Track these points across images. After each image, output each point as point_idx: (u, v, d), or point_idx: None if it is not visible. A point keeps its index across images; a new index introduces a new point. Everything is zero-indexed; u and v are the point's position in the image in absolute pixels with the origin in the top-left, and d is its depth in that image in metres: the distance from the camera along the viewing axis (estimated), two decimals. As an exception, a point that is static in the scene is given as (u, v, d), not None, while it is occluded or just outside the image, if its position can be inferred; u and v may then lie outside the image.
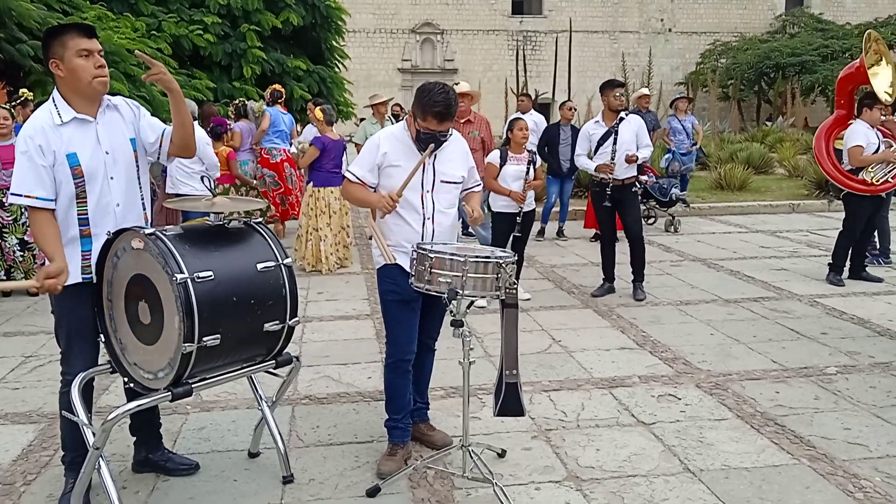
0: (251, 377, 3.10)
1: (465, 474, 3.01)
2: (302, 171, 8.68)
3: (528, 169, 5.67)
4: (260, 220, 2.94)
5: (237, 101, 9.59)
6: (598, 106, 7.95)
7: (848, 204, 6.58)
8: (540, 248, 8.60)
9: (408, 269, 3.07)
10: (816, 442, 3.48)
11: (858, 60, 6.24)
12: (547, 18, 33.95)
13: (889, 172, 6.20)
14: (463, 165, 3.29)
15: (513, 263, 2.95)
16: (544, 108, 21.96)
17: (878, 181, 6.19)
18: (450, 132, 3.17)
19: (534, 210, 5.95)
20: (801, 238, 9.13)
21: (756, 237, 9.26)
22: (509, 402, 3.03)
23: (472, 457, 3.05)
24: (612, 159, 6.00)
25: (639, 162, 6.19)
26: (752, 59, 30.44)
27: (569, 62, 21.39)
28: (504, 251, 3.09)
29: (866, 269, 6.78)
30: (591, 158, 6.28)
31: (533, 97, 19.75)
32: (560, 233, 9.29)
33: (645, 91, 10.61)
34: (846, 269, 6.73)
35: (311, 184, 7.46)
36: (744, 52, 31.19)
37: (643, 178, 9.47)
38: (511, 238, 5.77)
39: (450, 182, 3.23)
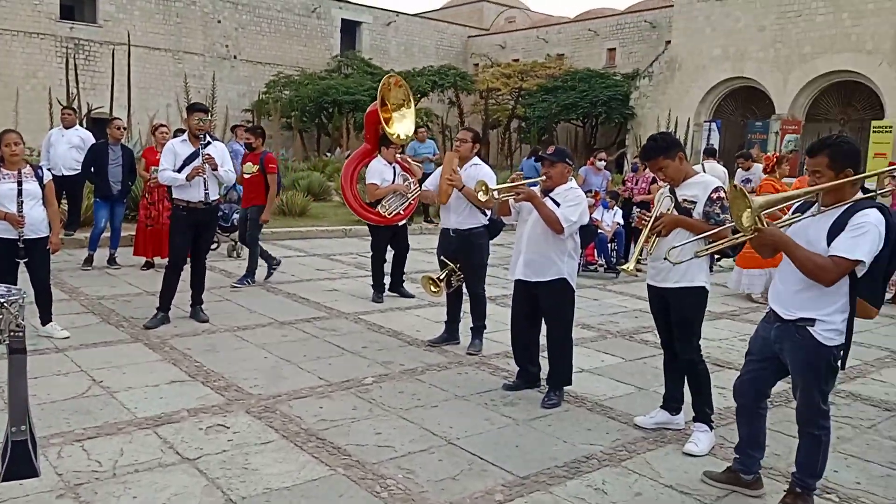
0: None
1: (-42, 559, 2.50)
2: None
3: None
4: None
5: None
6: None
7: (371, 232, 7.47)
8: (87, 279, 7.79)
9: None
10: (352, 450, 3.77)
11: (377, 101, 6.92)
12: (102, 28, 31.36)
13: (401, 205, 7.07)
14: None
15: (18, 302, 2.57)
16: (102, 123, 20.12)
17: (390, 214, 7.03)
18: None
19: (46, 237, 5.38)
20: (351, 260, 9.99)
21: (313, 260, 9.83)
22: (18, 463, 2.62)
23: (-33, 536, 2.55)
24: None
25: (229, 184, 6.23)
26: (312, 93, 32.49)
27: (128, 77, 20.00)
28: (8, 288, 2.67)
29: (403, 285, 7.66)
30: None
31: (85, 111, 17.93)
32: (112, 261, 8.55)
33: (203, 115, 10.46)
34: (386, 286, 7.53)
35: None
36: (305, 87, 33.14)
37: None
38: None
39: None
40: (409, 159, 7.58)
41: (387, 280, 7.54)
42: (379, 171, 7.08)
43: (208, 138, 6.20)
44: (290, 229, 11.98)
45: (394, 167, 7.15)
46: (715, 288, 8.88)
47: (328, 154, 29.76)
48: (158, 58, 32.78)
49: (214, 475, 3.42)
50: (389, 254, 7.60)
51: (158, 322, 6.04)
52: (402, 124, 6.87)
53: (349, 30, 39.33)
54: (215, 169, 6.07)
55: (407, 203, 7.03)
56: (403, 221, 7.38)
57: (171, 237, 6.31)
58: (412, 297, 7.54)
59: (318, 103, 32.69)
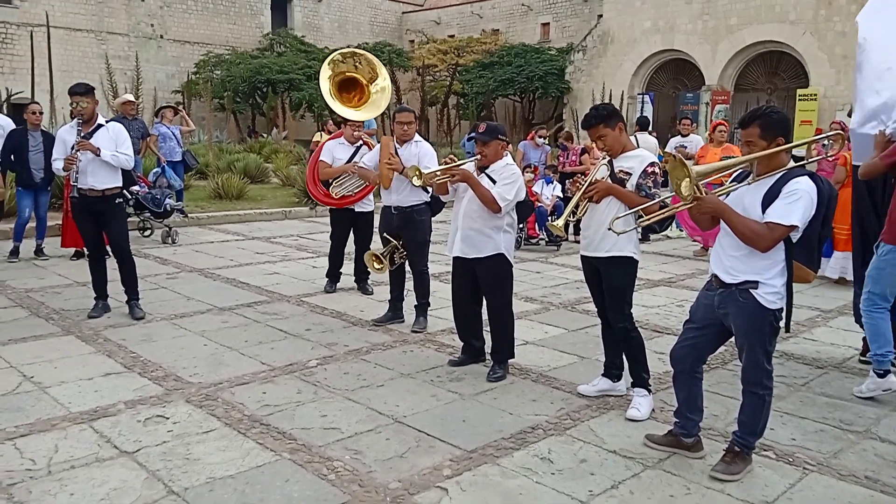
0: None
1: None
2: None
3: None
4: None
5: None
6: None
7: (330, 218, 7.01)
8: (13, 271, 7.45)
9: None
10: (297, 434, 3.72)
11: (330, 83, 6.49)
12: (19, 9, 29.91)
13: (357, 187, 6.68)
14: None
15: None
16: (22, 109, 19.11)
17: (338, 195, 6.65)
18: None
19: None
20: (292, 242, 9.82)
21: (252, 244, 9.62)
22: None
23: None
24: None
25: (127, 167, 5.91)
26: (244, 73, 31.68)
27: (49, 60, 19.09)
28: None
29: (367, 280, 7.02)
30: None
31: (4, 96, 17.12)
32: (39, 251, 8.20)
33: (129, 97, 10.12)
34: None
35: None
36: (237, 66, 32.27)
37: (134, 188, 9.03)
38: None
39: None
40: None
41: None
42: (329, 150, 6.65)
43: (100, 120, 5.75)
44: (226, 213, 11.71)
45: (357, 147, 6.62)
46: (653, 256, 9.11)
47: (264, 135, 29.15)
48: (80, 39, 31.48)
49: (155, 467, 3.33)
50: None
51: (101, 311, 5.86)
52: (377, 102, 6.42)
53: (280, 6, 38.44)
54: (97, 154, 5.59)
55: (361, 185, 6.55)
56: (368, 209, 6.85)
57: (76, 226, 6.05)
58: (371, 293, 6.90)
59: (251, 83, 31.96)
